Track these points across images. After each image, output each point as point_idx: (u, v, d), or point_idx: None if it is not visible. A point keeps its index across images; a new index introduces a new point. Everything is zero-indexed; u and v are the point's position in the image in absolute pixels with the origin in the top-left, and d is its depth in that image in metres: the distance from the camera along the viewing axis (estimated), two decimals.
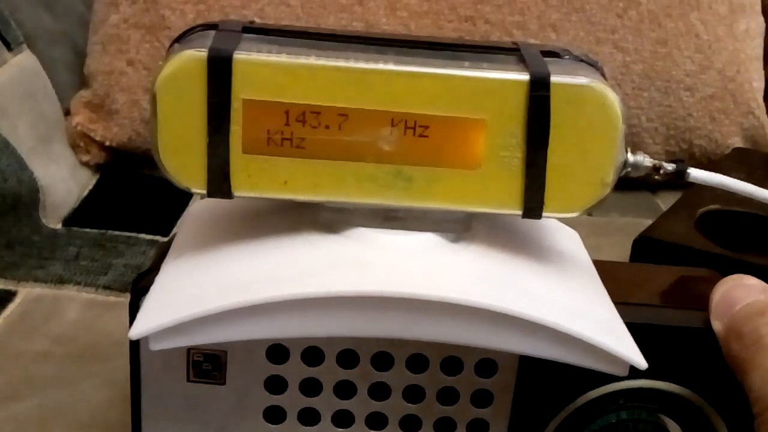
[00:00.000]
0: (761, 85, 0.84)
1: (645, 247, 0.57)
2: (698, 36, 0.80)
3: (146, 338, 0.30)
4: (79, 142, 0.75)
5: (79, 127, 0.75)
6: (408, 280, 0.31)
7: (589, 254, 0.38)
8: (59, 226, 0.67)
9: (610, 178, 0.32)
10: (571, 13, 0.77)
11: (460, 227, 0.34)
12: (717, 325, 0.33)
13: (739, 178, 0.68)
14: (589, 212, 0.33)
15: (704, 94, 0.80)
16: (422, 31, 0.76)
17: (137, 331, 0.30)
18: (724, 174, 0.69)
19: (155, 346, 0.30)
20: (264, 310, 0.30)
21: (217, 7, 0.74)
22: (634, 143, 0.80)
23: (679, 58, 0.79)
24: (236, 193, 0.32)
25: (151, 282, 0.33)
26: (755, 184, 0.67)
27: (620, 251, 0.59)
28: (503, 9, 0.76)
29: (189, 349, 0.34)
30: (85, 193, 0.73)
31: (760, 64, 0.84)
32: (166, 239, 0.65)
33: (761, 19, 0.86)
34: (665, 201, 0.77)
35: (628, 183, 0.79)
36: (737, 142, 0.82)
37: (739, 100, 0.81)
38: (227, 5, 0.74)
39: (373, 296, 0.30)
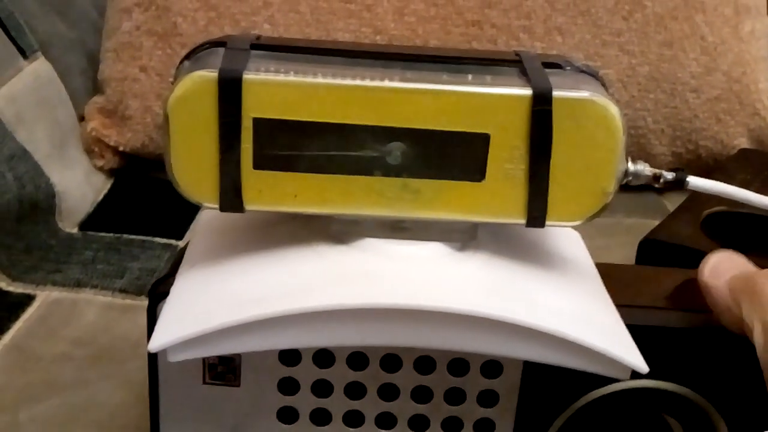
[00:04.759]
0: (767, 86, 0.84)
1: (651, 249, 0.57)
2: (704, 38, 0.81)
3: (164, 350, 0.31)
4: (94, 147, 0.77)
5: (93, 133, 0.76)
6: (415, 291, 0.32)
7: (597, 255, 0.38)
8: (75, 230, 0.69)
9: (612, 187, 0.33)
10: (577, 16, 0.78)
11: (466, 236, 0.35)
12: (717, 282, 0.33)
13: (745, 179, 0.69)
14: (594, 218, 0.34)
15: (710, 95, 0.80)
16: (430, 36, 0.76)
17: (156, 344, 0.31)
18: (730, 175, 0.70)
19: (173, 357, 0.31)
20: (277, 323, 0.31)
21: (227, 15, 0.75)
22: (640, 144, 0.81)
23: (684, 60, 0.80)
24: (248, 207, 0.33)
25: (168, 287, 0.34)
26: (761, 185, 0.68)
27: (627, 252, 0.60)
28: (510, 13, 0.77)
29: None
30: (100, 197, 0.74)
31: (766, 65, 0.85)
32: (179, 242, 0.67)
33: (767, 20, 0.86)
34: (672, 202, 0.78)
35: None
36: (743, 143, 0.82)
37: (744, 101, 0.82)
38: (238, 12, 0.75)
39: (381, 308, 0.31)
